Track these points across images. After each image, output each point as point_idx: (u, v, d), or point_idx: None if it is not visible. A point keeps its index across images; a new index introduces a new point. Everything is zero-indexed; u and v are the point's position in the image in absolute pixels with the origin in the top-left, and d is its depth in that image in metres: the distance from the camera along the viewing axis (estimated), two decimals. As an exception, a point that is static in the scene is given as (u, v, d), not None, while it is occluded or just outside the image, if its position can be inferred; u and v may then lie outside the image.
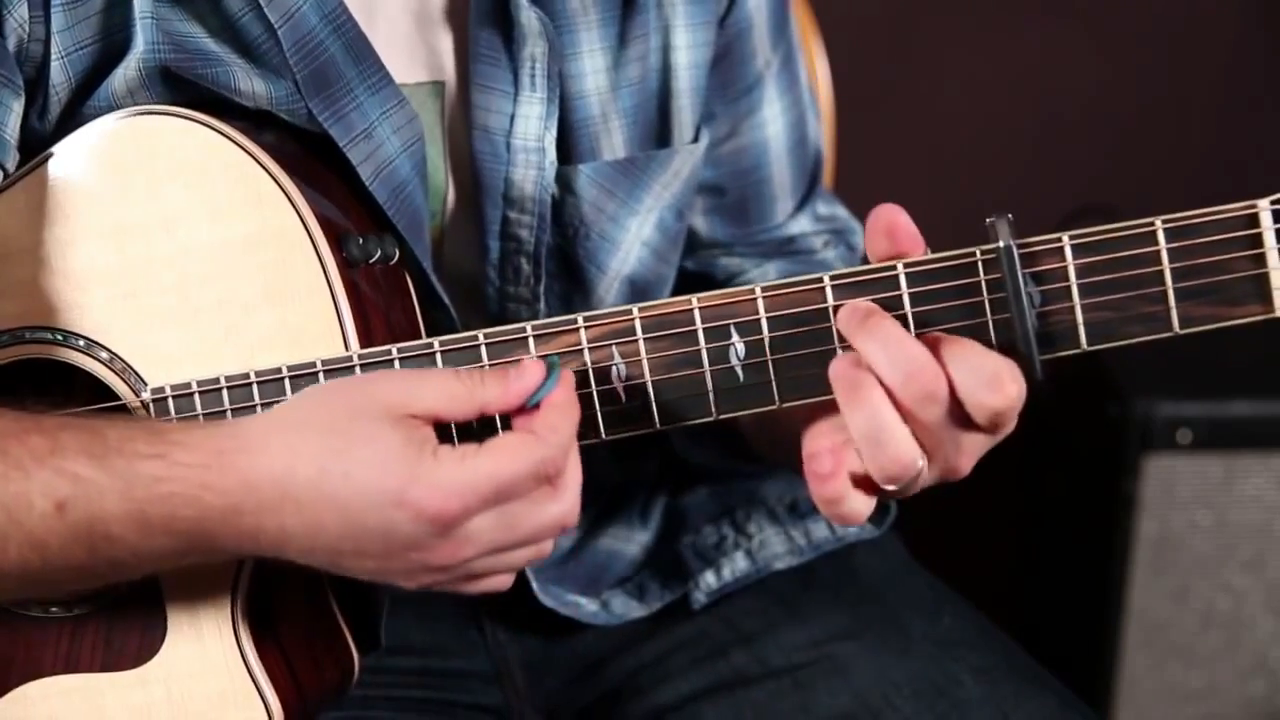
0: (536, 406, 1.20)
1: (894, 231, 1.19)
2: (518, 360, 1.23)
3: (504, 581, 1.25)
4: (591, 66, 1.47)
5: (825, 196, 1.67)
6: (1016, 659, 1.50)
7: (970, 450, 1.19)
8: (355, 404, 1.19)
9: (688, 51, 1.51)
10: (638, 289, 1.52)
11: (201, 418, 1.28)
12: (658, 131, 1.52)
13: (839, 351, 1.19)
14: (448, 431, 1.21)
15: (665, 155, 1.51)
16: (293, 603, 1.33)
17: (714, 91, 1.55)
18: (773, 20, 1.57)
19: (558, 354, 1.24)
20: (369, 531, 1.18)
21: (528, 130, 1.43)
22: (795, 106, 1.61)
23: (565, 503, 1.21)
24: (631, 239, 1.51)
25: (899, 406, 1.16)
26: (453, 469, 1.17)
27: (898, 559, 1.61)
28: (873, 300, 1.19)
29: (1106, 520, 2.43)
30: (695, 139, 1.54)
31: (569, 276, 1.50)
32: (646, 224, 1.51)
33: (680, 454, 1.63)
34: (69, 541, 1.20)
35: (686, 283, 1.60)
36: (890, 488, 1.18)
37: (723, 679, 1.51)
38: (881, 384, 1.16)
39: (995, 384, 1.14)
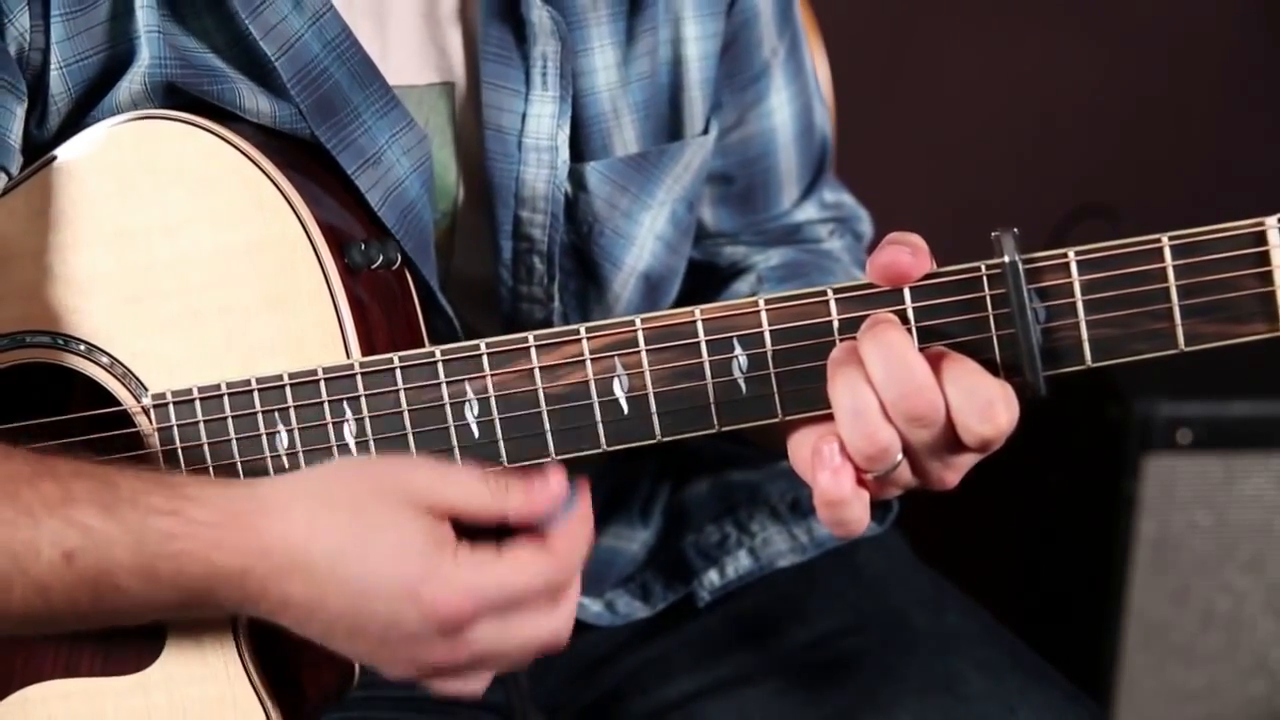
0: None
1: (896, 277, 1.18)
2: (539, 464, 1.22)
3: (479, 687, 1.24)
4: (602, 62, 1.46)
5: (832, 184, 1.66)
6: (1021, 654, 1.50)
7: (958, 466, 1.19)
8: (381, 487, 1.19)
9: (698, 43, 1.50)
10: (652, 283, 1.52)
11: (210, 468, 1.28)
12: (669, 125, 1.52)
13: None
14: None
15: (677, 148, 1.51)
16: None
17: (721, 80, 1.54)
18: (778, 7, 1.57)
19: (569, 480, 1.23)
20: (373, 618, 1.19)
21: (540, 129, 1.43)
22: (802, 94, 1.61)
23: (560, 619, 1.22)
24: (645, 233, 1.50)
25: (889, 422, 1.15)
26: (471, 572, 1.17)
27: (901, 556, 1.61)
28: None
29: (1106, 520, 2.43)
30: (705, 130, 1.53)
31: (584, 274, 1.50)
32: (660, 218, 1.51)
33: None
34: (74, 588, 1.20)
35: (690, 272, 1.60)
36: (870, 474, 1.17)
37: (726, 677, 1.51)
38: (876, 396, 1.15)
39: (988, 412, 1.14)
